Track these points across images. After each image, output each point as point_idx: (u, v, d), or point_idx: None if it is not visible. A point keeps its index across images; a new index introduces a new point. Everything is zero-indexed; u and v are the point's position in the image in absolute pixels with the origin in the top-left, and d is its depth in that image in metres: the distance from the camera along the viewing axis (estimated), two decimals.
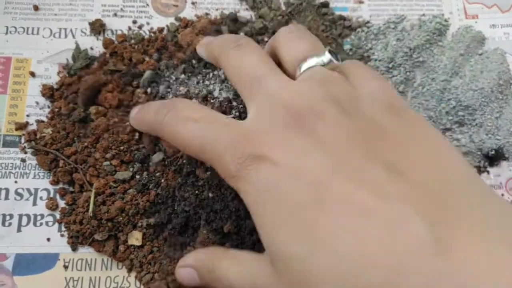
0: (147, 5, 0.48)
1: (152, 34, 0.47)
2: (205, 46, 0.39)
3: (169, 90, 0.42)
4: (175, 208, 0.38)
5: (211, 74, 0.41)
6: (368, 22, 0.49)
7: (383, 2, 0.50)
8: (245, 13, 0.49)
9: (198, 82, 0.41)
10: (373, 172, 0.23)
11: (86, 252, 0.40)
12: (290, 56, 0.30)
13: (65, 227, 0.40)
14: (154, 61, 0.44)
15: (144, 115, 0.36)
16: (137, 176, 0.40)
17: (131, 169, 0.41)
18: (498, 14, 0.50)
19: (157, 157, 0.40)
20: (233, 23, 0.47)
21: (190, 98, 0.40)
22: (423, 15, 0.49)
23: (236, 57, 0.31)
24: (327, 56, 0.29)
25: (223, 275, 0.29)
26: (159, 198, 0.39)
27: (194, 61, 0.42)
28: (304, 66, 0.29)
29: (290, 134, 0.26)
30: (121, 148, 0.41)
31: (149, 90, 0.43)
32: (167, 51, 0.45)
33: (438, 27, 0.48)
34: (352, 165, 0.24)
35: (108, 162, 0.41)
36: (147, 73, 0.43)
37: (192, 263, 0.33)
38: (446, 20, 0.49)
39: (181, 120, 0.31)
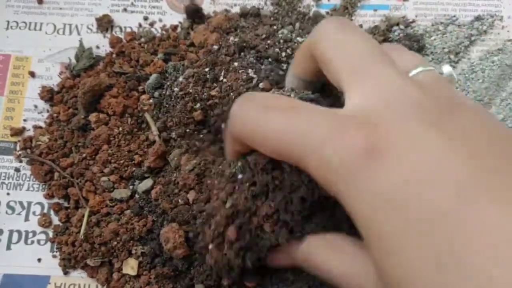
0: None
1: (164, 32, 0.41)
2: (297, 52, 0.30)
3: (172, 98, 0.36)
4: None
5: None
6: (413, 21, 0.42)
7: (431, 0, 0.43)
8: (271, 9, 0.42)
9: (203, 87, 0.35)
10: None
11: (78, 276, 0.36)
12: (402, 61, 0.25)
13: (57, 248, 0.36)
14: (162, 63, 0.38)
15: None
16: (136, 196, 0.35)
17: (130, 186, 0.35)
18: None
19: (144, 185, 0.35)
20: (256, 19, 0.41)
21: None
22: (478, 16, 0.42)
23: (342, 39, 0.25)
24: (447, 69, 0.28)
25: (321, 263, 0.25)
26: (155, 225, 0.34)
27: (207, 69, 0.36)
28: (415, 71, 0.25)
29: (417, 128, 0.20)
30: (121, 162, 0.36)
31: (156, 94, 0.37)
32: (178, 51, 0.39)
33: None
34: (498, 178, 0.19)
35: (106, 178, 0.36)
36: (152, 77, 0.37)
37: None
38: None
39: (262, 111, 0.24)
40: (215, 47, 0.38)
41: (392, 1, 0.43)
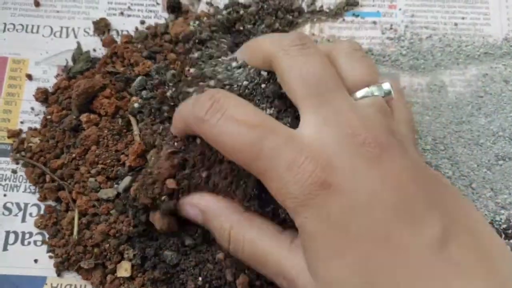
0: (157, 3, 0.42)
1: (146, 30, 0.41)
2: (251, 44, 0.32)
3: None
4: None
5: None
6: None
7: (420, 8, 0.42)
8: None
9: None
10: (432, 228, 0.23)
11: (75, 277, 0.35)
12: (353, 76, 0.28)
13: (50, 251, 0.35)
14: (151, 63, 0.38)
15: (182, 109, 0.30)
16: (122, 194, 0.34)
17: (115, 185, 0.35)
18: None
19: (123, 183, 0.34)
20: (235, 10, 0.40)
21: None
22: (463, 18, 0.42)
23: (301, 60, 0.27)
24: (386, 87, 0.28)
25: (245, 244, 0.28)
26: (138, 227, 0.33)
27: (187, 68, 0.36)
28: (363, 92, 0.28)
29: (360, 164, 0.24)
30: (108, 162, 0.35)
31: (144, 94, 0.37)
32: (162, 49, 0.39)
33: None
34: (416, 212, 0.24)
35: (93, 179, 0.35)
36: (137, 80, 0.37)
37: (202, 207, 0.30)
38: None
39: (231, 123, 0.26)
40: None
41: (384, 8, 0.42)
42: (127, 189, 0.34)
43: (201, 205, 0.30)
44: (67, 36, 0.41)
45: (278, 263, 0.27)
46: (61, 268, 0.34)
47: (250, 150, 0.25)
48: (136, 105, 0.36)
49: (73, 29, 0.41)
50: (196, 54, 0.37)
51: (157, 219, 0.32)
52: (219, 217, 0.29)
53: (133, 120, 0.36)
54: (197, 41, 0.38)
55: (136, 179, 0.34)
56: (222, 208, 0.29)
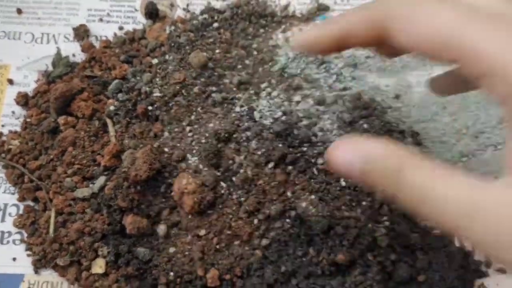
0: (136, 10, 0.43)
1: (124, 35, 0.42)
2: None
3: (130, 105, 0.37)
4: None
5: None
6: None
7: None
8: None
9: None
10: None
11: (51, 274, 0.35)
12: None
13: (28, 249, 0.36)
14: (128, 67, 0.39)
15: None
16: (97, 193, 0.35)
17: (91, 185, 0.35)
18: None
19: (98, 182, 0.35)
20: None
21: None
22: None
23: None
24: None
25: (419, 184, 0.20)
26: (112, 219, 0.34)
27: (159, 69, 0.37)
28: None
29: None
30: (84, 162, 0.36)
31: (120, 97, 0.37)
32: (139, 54, 0.40)
33: None
34: None
35: (69, 178, 0.35)
36: (114, 83, 0.38)
37: (363, 148, 0.22)
38: None
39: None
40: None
41: None
42: (102, 188, 0.35)
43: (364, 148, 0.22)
44: (48, 42, 0.42)
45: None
46: (38, 266, 0.35)
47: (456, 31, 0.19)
48: (112, 107, 0.37)
49: (53, 36, 0.42)
50: None
51: (129, 223, 0.33)
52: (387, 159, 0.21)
53: (109, 122, 0.37)
54: (172, 45, 0.39)
55: (111, 178, 0.35)
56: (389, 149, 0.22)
